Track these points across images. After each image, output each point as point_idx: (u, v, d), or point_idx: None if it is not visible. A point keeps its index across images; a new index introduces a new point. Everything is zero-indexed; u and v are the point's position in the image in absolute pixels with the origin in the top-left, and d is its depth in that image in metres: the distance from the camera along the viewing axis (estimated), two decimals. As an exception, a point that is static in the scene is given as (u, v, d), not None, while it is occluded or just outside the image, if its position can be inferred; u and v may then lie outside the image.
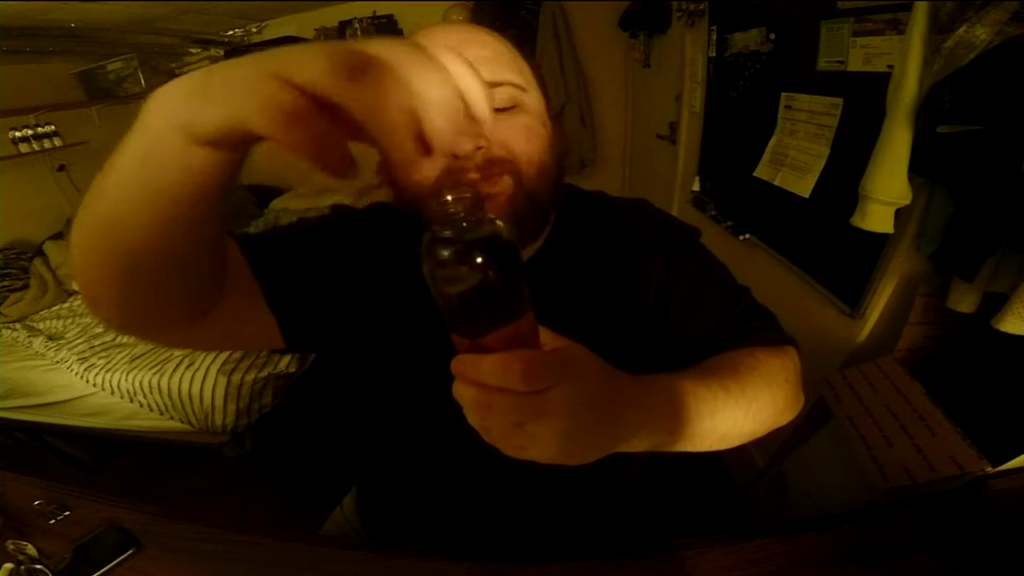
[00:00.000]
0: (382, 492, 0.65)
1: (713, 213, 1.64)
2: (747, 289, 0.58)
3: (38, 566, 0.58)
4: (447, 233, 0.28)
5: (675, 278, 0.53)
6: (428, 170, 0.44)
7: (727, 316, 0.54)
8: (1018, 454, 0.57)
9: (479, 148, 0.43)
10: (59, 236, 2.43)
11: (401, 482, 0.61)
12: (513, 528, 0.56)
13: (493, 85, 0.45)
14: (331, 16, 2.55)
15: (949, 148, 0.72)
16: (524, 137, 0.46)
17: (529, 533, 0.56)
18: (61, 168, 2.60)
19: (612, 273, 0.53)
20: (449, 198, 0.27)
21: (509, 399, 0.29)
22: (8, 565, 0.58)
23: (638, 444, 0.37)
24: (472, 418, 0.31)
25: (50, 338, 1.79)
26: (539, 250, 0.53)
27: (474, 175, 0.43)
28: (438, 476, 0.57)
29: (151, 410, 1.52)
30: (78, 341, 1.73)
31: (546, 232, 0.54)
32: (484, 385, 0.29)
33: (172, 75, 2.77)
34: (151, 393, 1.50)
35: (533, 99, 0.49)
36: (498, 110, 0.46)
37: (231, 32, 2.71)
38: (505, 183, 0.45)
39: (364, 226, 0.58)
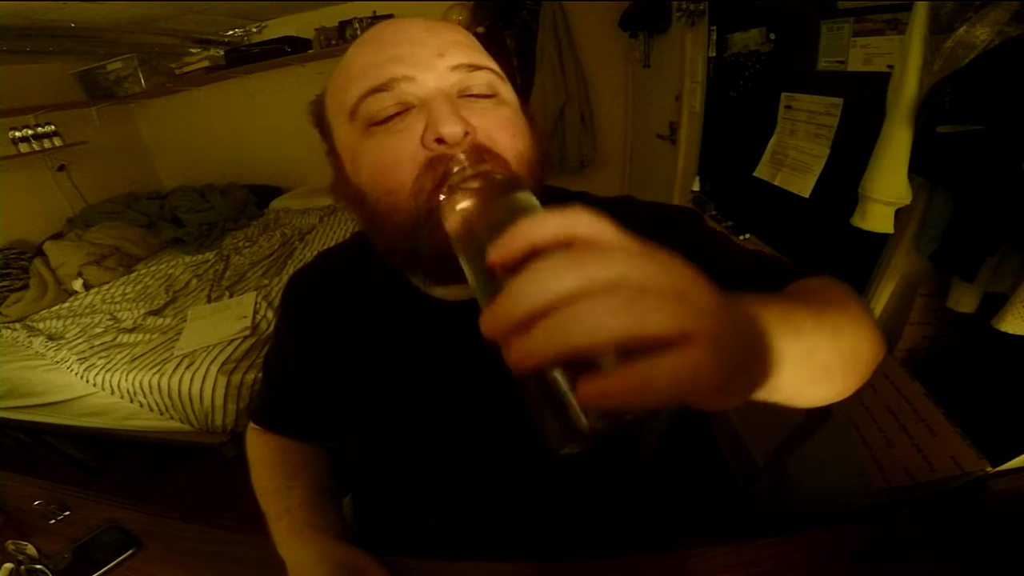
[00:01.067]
0: (377, 503, 0.65)
1: (713, 213, 1.64)
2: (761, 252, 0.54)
3: (38, 566, 0.58)
4: (465, 184, 0.29)
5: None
6: (408, 167, 0.38)
7: (762, 268, 0.49)
8: (1018, 454, 0.57)
9: (467, 134, 0.37)
10: (59, 236, 2.43)
11: (397, 493, 0.61)
12: (514, 535, 0.56)
13: (471, 68, 0.41)
14: (331, 16, 2.55)
15: (949, 148, 0.72)
16: (509, 132, 0.41)
17: (531, 539, 0.56)
18: (61, 168, 2.60)
19: None
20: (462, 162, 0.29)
21: (612, 254, 0.21)
22: (8, 565, 0.58)
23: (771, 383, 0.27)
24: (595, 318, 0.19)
25: (50, 338, 1.79)
26: None
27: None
28: (439, 489, 0.57)
29: (151, 410, 1.52)
30: (78, 341, 1.73)
31: None
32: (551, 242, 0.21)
33: (172, 75, 2.78)
34: (151, 393, 1.50)
35: (509, 92, 0.44)
36: (478, 96, 0.41)
37: (231, 32, 2.71)
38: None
39: (326, 309, 0.57)
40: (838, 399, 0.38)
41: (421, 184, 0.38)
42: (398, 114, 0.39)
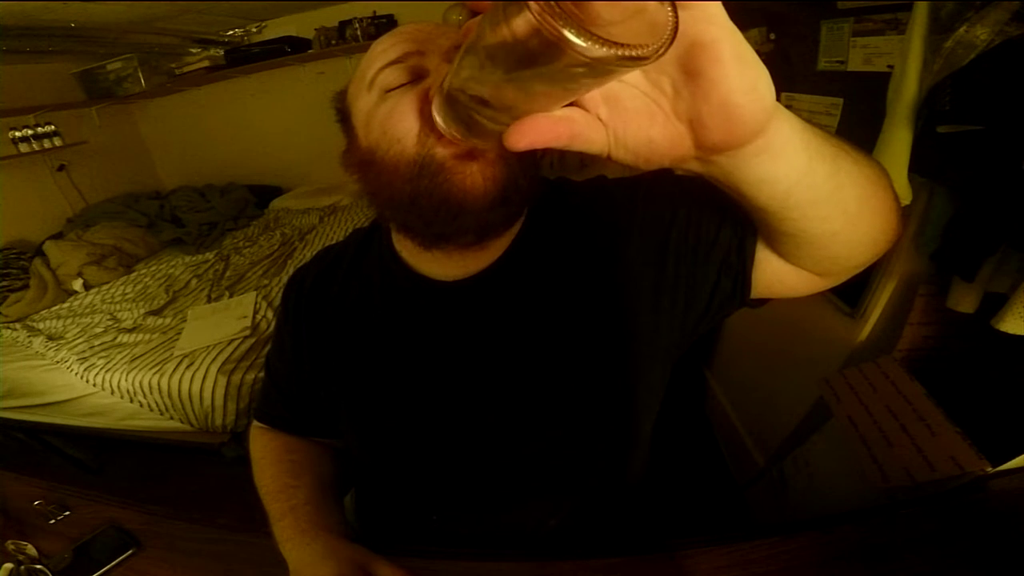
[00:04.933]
0: (378, 496, 0.65)
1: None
2: None
3: (38, 566, 0.58)
4: None
5: (667, 225, 0.48)
6: (415, 118, 0.40)
7: None
8: (1018, 454, 0.57)
9: None
10: (59, 236, 2.43)
11: (397, 486, 0.61)
12: (512, 531, 0.56)
13: None
14: (331, 16, 2.55)
15: (949, 148, 0.72)
16: None
17: (528, 535, 0.56)
18: (61, 168, 2.61)
19: (598, 253, 0.50)
20: None
21: None
22: (8, 565, 0.58)
23: (778, 127, 0.26)
24: None
25: (50, 338, 1.79)
26: (516, 240, 0.51)
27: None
28: (438, 483, 0.57)
29: (151, 410, 1.52)
30: (78, 341, 1.73)
31: (521, 222, 0.51)
32: None
33: (172, 75, 2.78)
34: (151, 393, 1.50)
35: None
36: None
37: (231, 32, 2.71)
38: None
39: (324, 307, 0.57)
40: (843, 207, 0.33)
41: (426, 132, 0.40)
42: (410, 82, 0.42)
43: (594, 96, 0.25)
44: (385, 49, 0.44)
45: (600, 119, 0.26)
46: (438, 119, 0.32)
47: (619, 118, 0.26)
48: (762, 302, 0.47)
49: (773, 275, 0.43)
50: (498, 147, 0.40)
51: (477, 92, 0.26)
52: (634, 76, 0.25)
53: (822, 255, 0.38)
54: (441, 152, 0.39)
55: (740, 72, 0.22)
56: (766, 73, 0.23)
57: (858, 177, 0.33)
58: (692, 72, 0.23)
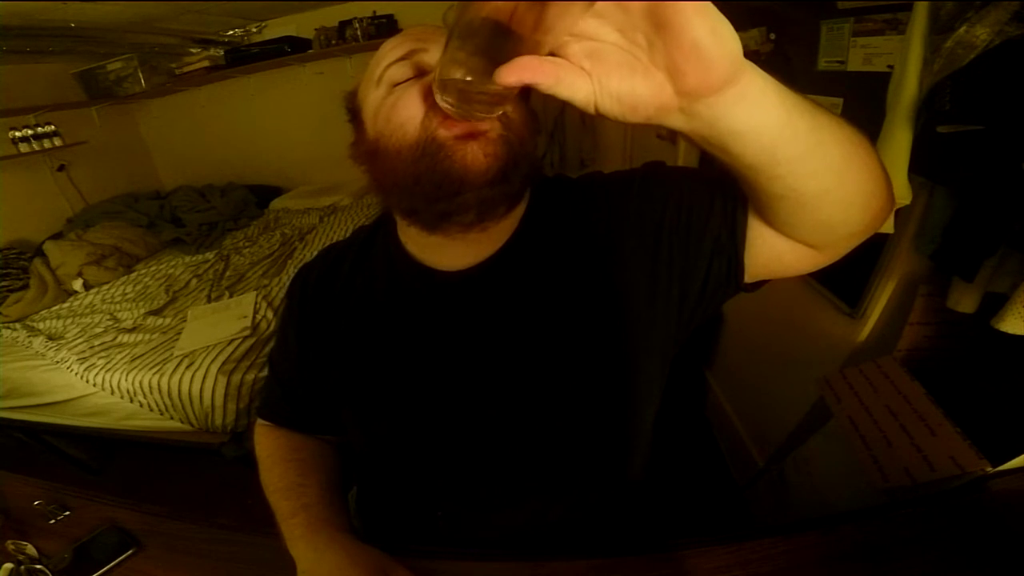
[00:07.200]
0: (382, 493, 0.66)
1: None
2: None
3: (38, 566, 0.58)
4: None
5: (659, 215, 0.49)
6: (418, 107, 0.42)
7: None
8: (1018, 454, 0.57)
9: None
10: (59, 236, 2.43)
11: (401, 482, 0.61)
12: (515, 527, 0.56)
13: None
14: (331, 16, 2.55)
15: (949, 148, 0.72)
16: (509, 95, 0.42)
17: (530, 531, 0.56)
18: (61, 168, 2.60)
19: (595, 245, 0.51)
20: None
21: None
22: (8, 565, 0.58)
23: (752, 77, 0.28)
24: None
25: (50, 338, 1.79)
26: (517, 232, 0.52)
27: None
28: (442, 477, 0.57)
29: (151, 410, 1.52)
30: (78, 341, 1.73)
31: (522, 210, 0.52)
32: None
33: (172, 75, 2.78)
34: (151, 393, 1.50)
35: None
36: None
37: (231, 32, 2.71)
38: (494, 122, 0.42)
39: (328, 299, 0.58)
40: (829, 169, 0.34)
41: (428, 117, 0.42)
42: (415, 77, 0.45)
43: (576, 52, 0.28)
44: (392, 48, 0.46)
45: (584, 70, 0.28)
46: (439, 97, 0.34)
47: (602, 69, 0.28)
48: (759, 285, 0.48)
49: (770, 252, 0.44)
50: (498, 126, 0.42)
51: (463, 67, 0.29)
52: (611, 34, 0.28)
53: (816, 219, 0.38)
54: (443, 134, 0.41)
55: (702, 18, 0.25)
56: (727, 23, 0.26)
57: (839, 134, 0.34)
58: (660, 24, 0.25)
